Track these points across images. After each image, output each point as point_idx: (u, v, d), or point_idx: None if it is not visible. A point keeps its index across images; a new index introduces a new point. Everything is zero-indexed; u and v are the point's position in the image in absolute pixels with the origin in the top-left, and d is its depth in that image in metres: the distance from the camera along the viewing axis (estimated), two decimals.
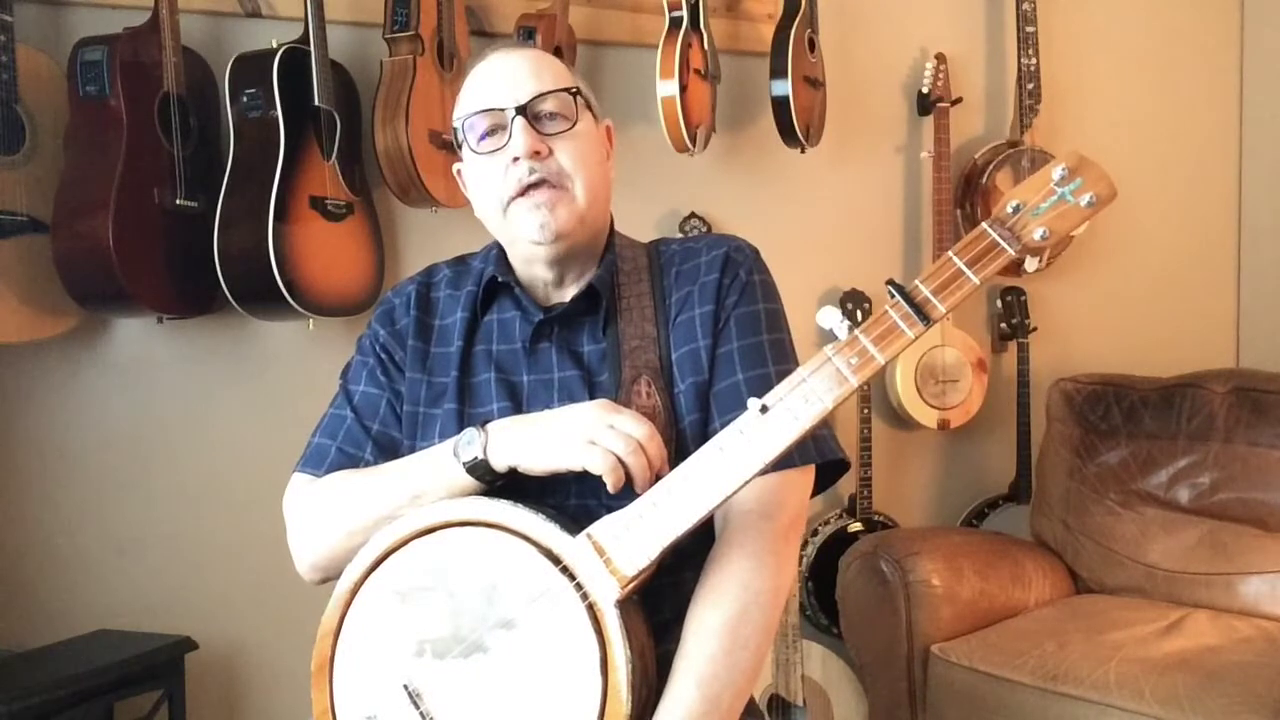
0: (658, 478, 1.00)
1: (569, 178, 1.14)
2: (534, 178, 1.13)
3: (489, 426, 1.07)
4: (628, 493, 1.02)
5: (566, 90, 1.16)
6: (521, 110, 1.13)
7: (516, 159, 1.12)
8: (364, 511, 1.10)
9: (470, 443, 1.06)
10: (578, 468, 1.02)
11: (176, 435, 2.15)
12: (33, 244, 1.88)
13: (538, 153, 1.12)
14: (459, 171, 1.24)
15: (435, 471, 1.08)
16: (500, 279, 1.20)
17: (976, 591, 2.25)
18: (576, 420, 1.04)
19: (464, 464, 1.05)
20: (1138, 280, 2.98)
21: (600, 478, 1.01)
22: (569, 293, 1.20)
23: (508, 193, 1.14)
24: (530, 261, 1.19)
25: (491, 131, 1.15)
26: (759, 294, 1.18)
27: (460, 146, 1.19)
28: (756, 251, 1.22)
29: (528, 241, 1.15)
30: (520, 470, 1.05)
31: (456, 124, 1.18)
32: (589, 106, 1.20)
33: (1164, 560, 2.36)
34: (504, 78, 1.15)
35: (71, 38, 1.93)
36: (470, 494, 1.06)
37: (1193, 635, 2.08)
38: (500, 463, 1.05)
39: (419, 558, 1.04)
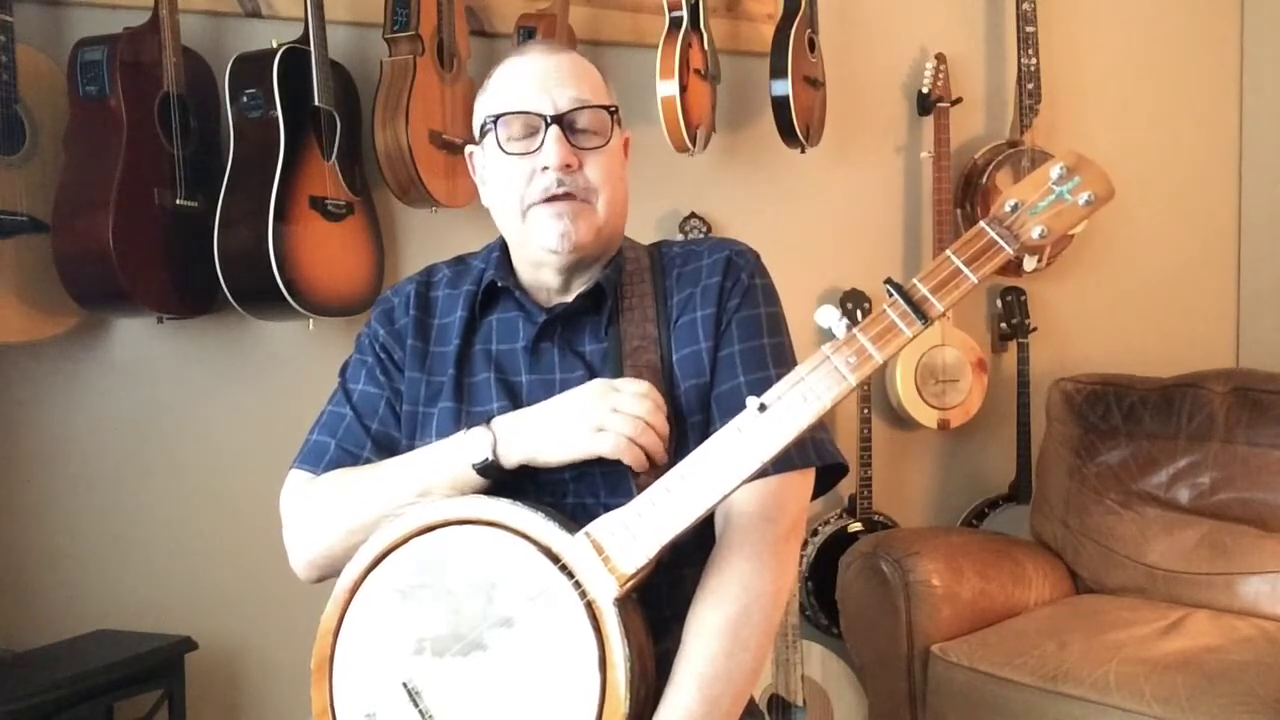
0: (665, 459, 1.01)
1: (595, 192, 1.14)
2: (561, 189, 1.12)
3: (495, 425, 1.07)
4: (626, 491, 1.03)
5: (605, 108, 1.16)
6: (558, 120, 1.12)
7: (546, 168, 1.12)
8: (366, 509, 1.10)
9: (478, 443, 1.06)
10: (592, 456, 1.02)
11: (176, 435, 2.15)
12: (33, 244, 1.88)
13: (568, 165, 1.12)
14: (471, 155, 1.23)
15: (441, 469, 1.08)
16: (500, 283, 1.19)
17: (976, 591, 2.25)
18: (579, 408, 1.04)
19: (474, 465, 1.06)
20: (1138, 280, 2.98)
21: (601, 473, 1.01)
22: (571, 294, 1.19)
23: (532, 198, 1.13)
24: (539, 265, 1.18)
25: (523, 133, 1.14)
26: (760, 298, 1.19)
27: (483, 136, 1.17)
28: (758, 256, 1.23)
29: (543, 249, 1.14)
30: (533, 466, 1.05)
31: (486, 116, 1.16)
32: (618, 123, 1.19)
33: (1164, 560, 2.35)
34: (543, 81, 1.14)
35: (71, 38, 1.93)
36: (476, 491, 1.06)
37: (1193, 635, 2.07)
38: (511, 462, 1.06)
39: (419, 556, 1.04)
